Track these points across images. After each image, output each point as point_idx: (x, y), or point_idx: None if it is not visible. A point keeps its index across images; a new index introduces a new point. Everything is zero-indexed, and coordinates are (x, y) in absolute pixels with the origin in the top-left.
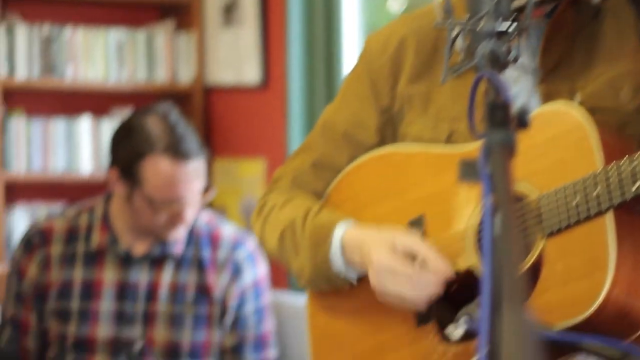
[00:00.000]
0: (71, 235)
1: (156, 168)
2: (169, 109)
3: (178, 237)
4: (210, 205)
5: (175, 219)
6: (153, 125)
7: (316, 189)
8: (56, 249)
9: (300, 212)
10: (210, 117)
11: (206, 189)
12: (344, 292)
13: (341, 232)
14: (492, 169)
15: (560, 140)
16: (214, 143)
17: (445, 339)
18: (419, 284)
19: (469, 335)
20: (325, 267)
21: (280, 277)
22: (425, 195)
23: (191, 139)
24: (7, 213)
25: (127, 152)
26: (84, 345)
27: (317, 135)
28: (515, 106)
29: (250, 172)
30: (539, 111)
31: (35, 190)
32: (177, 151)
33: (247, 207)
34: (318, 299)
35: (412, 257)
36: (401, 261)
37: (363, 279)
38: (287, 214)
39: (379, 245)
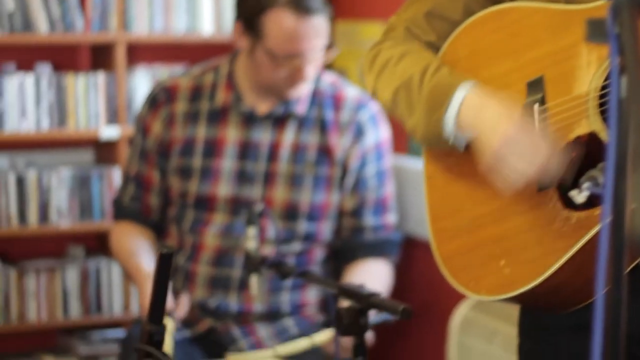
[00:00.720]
0: (196, 93)
1: (278, 21)
2: None
3: (300, 96)
4: (330, 67)
5: (295, 75)
6: None
7: (429, 39)
8: (181, 107)
9: (417, 69)
10: None
11: (328, 48)
12: (462, 156)
13: (462, 95)
14: (620, 29)
15: None
16: (336, 4)
17: (569, 205)
18: (536, 157)
19: (592, 200)
20: (437, 129)
21: (400, 141)
22: (544, 55)
23: None
24: (129, 74)
25: (251, 4)
26: (205, 203)
27: None
28: None
29: (371, 35)
30: None
31: (156, 51)
32: (300, 5)
33: None
34: (436, 161)
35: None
36: (523, 133)
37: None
38: (403, 69)
39: (503, 117)
